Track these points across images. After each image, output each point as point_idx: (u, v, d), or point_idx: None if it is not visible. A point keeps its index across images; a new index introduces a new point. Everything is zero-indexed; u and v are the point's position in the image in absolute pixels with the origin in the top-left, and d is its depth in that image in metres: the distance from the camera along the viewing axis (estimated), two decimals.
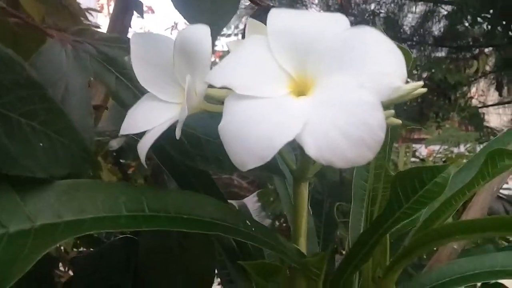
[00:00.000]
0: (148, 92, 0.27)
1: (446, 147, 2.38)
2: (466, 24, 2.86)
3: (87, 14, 1.07)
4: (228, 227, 0.26)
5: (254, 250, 0.32)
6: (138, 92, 0.29)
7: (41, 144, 0.24)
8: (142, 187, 0.26)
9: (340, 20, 0.22)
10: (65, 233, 0.21)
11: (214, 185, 0.31)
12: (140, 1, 0.46)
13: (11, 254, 0.20)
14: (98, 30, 0.34)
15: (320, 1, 3.05)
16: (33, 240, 0.21)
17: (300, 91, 0.22)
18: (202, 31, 0.24)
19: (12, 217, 0.21)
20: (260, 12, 0.42)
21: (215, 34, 0.36)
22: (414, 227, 0.33)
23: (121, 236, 0.39)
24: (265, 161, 0.19)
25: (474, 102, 3.31)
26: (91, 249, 0.41)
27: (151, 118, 0.26)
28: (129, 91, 0.29)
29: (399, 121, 0.24)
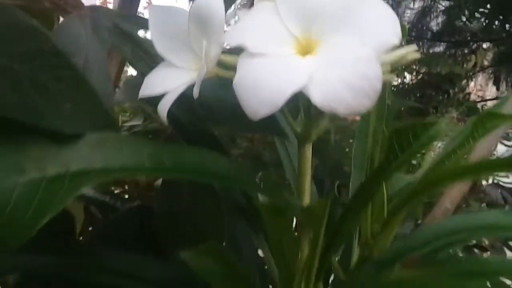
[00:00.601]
0: (164, 60, 0.30)
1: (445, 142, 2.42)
2: (464, 19, 2.88)
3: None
4: (240, 180, 0.28)
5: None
6: (151, 62, 0.31)
7: (67, 106, 0.26)
8: (163, 143, 0.29)
9: None
10: (96, 177, 0.24)
11: (222, 147, 0.34)
12: None
13: (49, 194, 0.22)
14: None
15: None
16: (68, 183, 0.23)
17: (306, 51, 0.24)
18: (216, 0, 0.26)
19: (49, 163, 0.23)
20: None
21: (228, 4, 0.38)
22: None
23: (136, 204, 0.42)
24: (276, 108, 0.22)
25: (473, 97, 3.34)
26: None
27: (168, 83, 0.28)
28: (144, 62, 0.32)
29: (394, 76, 0.26)
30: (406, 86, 3.08)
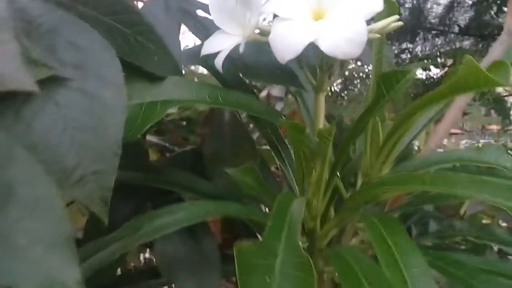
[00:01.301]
0: (218, 29, 0.42)
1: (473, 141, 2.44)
2: (492, 13, 2.90)
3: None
4: (268, 112, 0.40)
5: None
6: (207, 32, 0.43)
7: (155, 58, 0.38)
8: (217, 86, 0.41)
9: None
10: (175, 104, 0.36)
11: (254, 92, 0.45)
12: None
13: (148, 112, 0.34)
14: None
15: None
16: (159, 107, 0.35)
17: (318, 17, 0.36)
18: None
19: (146, 95, 0.36)
20: None
21: None
22: None
23: (190, 147, 0.54)
24: (298, 53, 0.33)
25: (500, 90, 3.35)
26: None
27: (222, 43, 0.40)
28: (202, 31, 0.44)
29: (377, 35, 0.37)
30: (432, 79, 3.12)
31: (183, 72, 0.41)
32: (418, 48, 3.07)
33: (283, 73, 0.44)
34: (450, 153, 0.45)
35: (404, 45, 3.18)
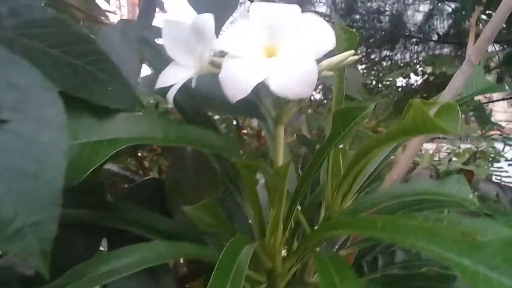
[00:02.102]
0: (173, 60, 0.40)
1: (450, 145, 2.47)
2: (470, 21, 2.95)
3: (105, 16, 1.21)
4: (227, 149, 0.39)
5: None
6: (164, 63, 0.42)
7: (109, 88, 0.37)
8: (171, 121, 0.39)
9: (295, 8, 0.35)
10: (124, 143, 0.34)
11: (217, 127, 0.44)
12: (161, 1, 0.59)
13: (93, 153, 0.33)
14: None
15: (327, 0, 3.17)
16: (106, 146, 0.34)
17: (270, 54, 0.35)
18: (208, 17, 0.37)
19: (93, 132, 0.34)
20: None
21: (221, 24, 0.49)
22: None
23: (151, 177, 0.52)
24: (246, 94, 0.32)
25: (479, 97, 3.40)
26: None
27: (175, 76, 0.39)
28: (159, 62, 0.42)
29: (330, 73, 0.36)
30: (412, 86, 3.15)
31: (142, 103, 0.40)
32: (398, 56, 3.11)
33: (244, 105, 0.43)
34: (411, 186, 0.45)
35: (384, 53, 3.21)
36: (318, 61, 0.34)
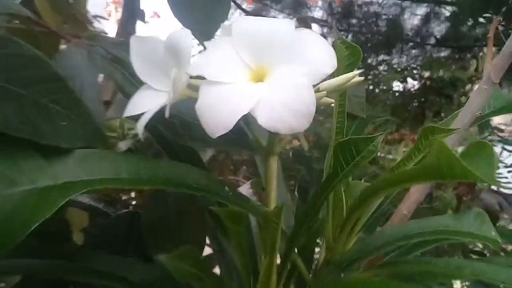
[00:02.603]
0: (145, 84, 0.34)
1: None
2: (468, 25, 2.90)
3: (96, 21, 1.14)
4: (209, 190, 0.32)
5: None
6: (138, 85, 0.35)
7: (64, 123, 0.31)
8: (140, 157, 0.33)
9: (288, 24, 0.29)
10: (80, 188, 0.28)
11: (200, 160, 0.38)
12: (143, 10, 0.53)
13: (41, 202, 0.27)
14: (106, 35, 0.41)
15: (324, 4, 3.11)
16: (57, 193, 0.28)
17: (258, 78, 0.29)
18: (184, 34, 0.31)
19: (41, 176, 0.28)
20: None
21: (208, 37, 0.43)
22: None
23: (125, 210, 0.46)
24: (229, 128, 0.26)
25: None
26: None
27: (147, 103, 0.33)
28: (132, 85, 0.36)
29: (331, 100, 0.30)
30: (408, 91, 3.10)
31: (105, 136, 0.33)
32: (395, 60, 3.06)
33: (230, 135, 0.37)
34: (424, 223, 0.38)
35: (381, 57, 3.16)
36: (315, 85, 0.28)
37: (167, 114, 0.30)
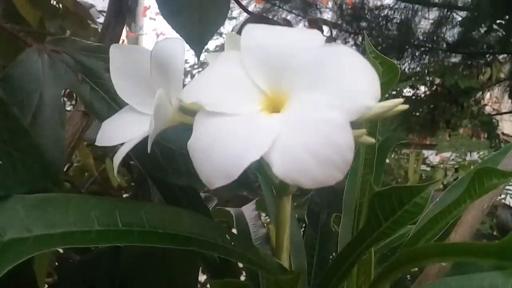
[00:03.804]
0: (127, 104, 0.27)
1: (458, 154, 2.36)
2: (481, 31, 2.82)
3: (102, 15, 1.07)
4: (204, 241, 0.25)
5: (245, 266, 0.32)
6: (114, 104, 0.28)
7: (0, 162, 0.23)
8: (117, 200, 0.26)
9: (314, 36, 0.21)
10: (34, 247, 0.21)
11: (200, 198, 0.31)
12: (132, 7, 0.45)
13: None
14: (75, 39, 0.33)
15: (334, 6, 3.03)
16: (1, 254, 0.21)
17: (274, 107, 0.22)
18: (176, 45, 0.24)
19: None
20: (251, 21, 0.42)
21: (203, 43, 0.36)
22: (403, 242, 0.32)
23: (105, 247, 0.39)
24: (231, 179, 0.19)
25: (488, 109, 3.27)
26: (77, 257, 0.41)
27: (128, 130, 0.26)
28: (104, 102, 0.29)
29: (373, 140, 0.23)
30: (419, 97, 3.02)
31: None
32: (406, 65, 2.97)
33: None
34: (465, 281, 0.31)
35: None
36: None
37: (149, 148, 0.23)
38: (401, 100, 0.24)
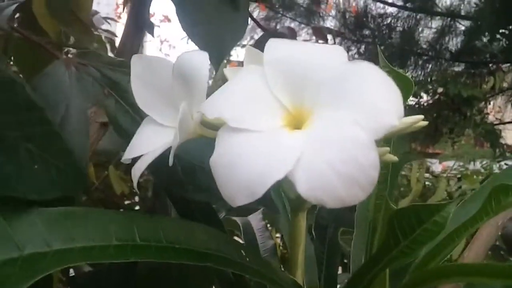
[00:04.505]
0: (147, 116, 0.27)
1: (461, 163, 2.35)
2: (484, 40, 2.82)
3: (106, 22, 1.07)
4: (221, 257, 0.25)
5: (253, 281, 0.32)
6: (138, 117, 0.28)
7: (35, 167, 0.24)
8: (134, 215, 0.26)
9: (338, 52, 0.21)
10: (53, 262, 0.21)
11: (214, 213, 0.30)
12: (152, 22, 0.45)
13: None
14: (101, 53, 0.34)
15: (337, 14, 3.04)
16: (20, 269, 0.20)
17: (296, 123, 0.21)
18: (200, 58, 0.24)
19: (0, 245, 0.21)
20: (266, 37, 0.42)
21: (221, 57, 0.36)
22: (416, 259, 0.32)
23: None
24: (255, 198, 0.19)
25: (491, 118, 3.27)
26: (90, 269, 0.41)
27: (148, 142, 0.26)
28: (128, 116, 0.29)
29: (396, 158, 0.23)
30: (422, 106, 3.02)
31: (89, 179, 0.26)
32: (409, 73, 2.98)
33: None
34: None
35: None
36: None
37: (171, 161, 0.23)
38: (421, 116, 0.24)
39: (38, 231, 0.22)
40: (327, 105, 0.21)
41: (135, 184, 0.24)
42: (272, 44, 0.22)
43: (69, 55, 0.31)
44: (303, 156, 0.19)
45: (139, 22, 0.42)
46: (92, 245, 0.22)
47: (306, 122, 0.21)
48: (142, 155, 0.25)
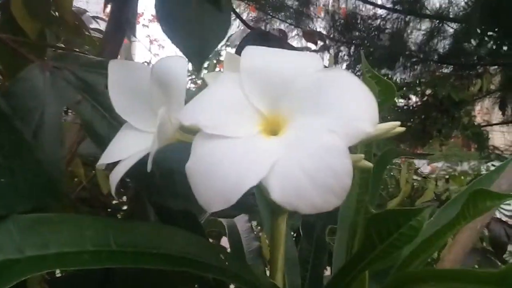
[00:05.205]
0: (126, 122, 0.27)
1: (449, 164, 2.37)
2: (472, 42, 2.85)
3: (95, 21, 1.06)
4: (199, 263, 0.25)
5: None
6: (115, 122, 0.28)
7: (1, 180, 0.23)
8: (110, 220, 0.26)
9: (313, 60, 0.21)
10: (26, 269, 0.21)
11: (195, 217, 0.30)
12: (134, 23, 0.45)
13: None
14: (79, 54, 0.33)
15: (326, 16, 3.05)
16: None
17: (273, 129, 0.22)
18: (179, 64, 0.24)
19: None
20: (252, 36, 0.42)
21: (203, 59, 0.36)
22: (396, 263, 0.32)
23: None
24: (230, 204, 0.19)
25: (478, 120, 3.30)
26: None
27: (126, 148, 0.26)
28: (104, 121, 0.29)
29: (370, 165, 0.23)
30: (410, 107, 3.04)
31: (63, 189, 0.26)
32: (398, 75, 3.00)
33: None
34: None
35: (383, 71, 3.11)
36: None
37: (149, 167, 0.23)
38: (397, 123, 0.24)
39: (12, 238, 0.21)
40: (302, 112, 0.21)
41: (112, 190, 0.24)
42: (249, 51, 0.22)
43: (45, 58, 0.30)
44: (278, 162, 0.19)
45: (121, 22, 0.41)
46: (66, 251, 0.22)
47: (282, 129, 0.21)
48: (120, 160, 0.25)
